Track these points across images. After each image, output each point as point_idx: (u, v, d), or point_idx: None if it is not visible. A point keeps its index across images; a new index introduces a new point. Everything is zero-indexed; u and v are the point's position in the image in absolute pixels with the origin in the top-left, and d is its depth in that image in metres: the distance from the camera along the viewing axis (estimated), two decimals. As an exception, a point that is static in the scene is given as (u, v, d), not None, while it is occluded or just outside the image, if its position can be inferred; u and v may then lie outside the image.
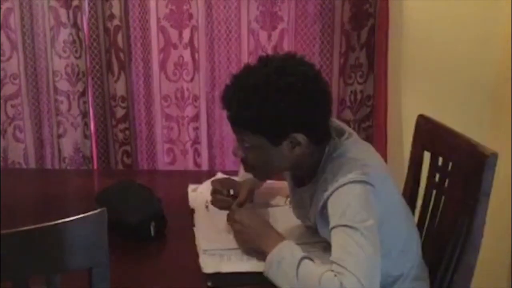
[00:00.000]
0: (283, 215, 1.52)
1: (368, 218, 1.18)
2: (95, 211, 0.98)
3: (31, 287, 0.99)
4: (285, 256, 1.20)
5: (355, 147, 1.31)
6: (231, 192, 1.55)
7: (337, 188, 1.22)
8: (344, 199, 1.21)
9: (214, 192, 1.56)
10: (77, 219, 0.96)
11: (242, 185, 1.54)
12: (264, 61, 1.28)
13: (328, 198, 1.24)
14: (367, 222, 1.17)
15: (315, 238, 1.40)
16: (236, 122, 1.28)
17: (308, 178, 1.35)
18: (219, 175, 1.81)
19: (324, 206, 1.25)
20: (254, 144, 1.28)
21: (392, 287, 1.36)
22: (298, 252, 1.21)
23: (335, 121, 1.42)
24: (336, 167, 1.26)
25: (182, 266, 1.31)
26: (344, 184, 1.22)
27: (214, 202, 1.54)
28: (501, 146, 1.40)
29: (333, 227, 1.19)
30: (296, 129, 1.25)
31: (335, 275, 1.12)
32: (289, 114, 1.22)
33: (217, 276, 1.26)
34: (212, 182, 1.58)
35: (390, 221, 1.27)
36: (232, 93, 1.26)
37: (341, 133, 1.35)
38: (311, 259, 1.21)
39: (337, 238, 1.18)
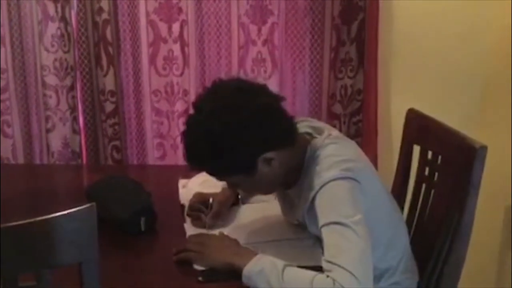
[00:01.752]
0: (274, 210, 1.52)
1: (355, 213, 1.18)
2: (85, 206, 0.97)
3: (21, 284, 0.98)
4: (264, 267, 1.17)
5: (337, 144, 1.31)
6: (210, 200, 1.51)
7: (322, 186, 1.22)
8: (330, 196, 1.22)
9: (191, 209, 1.52)
10: (67, 214, 0.96)
11: (214, 197, 1.52)
12: (197, 107, 1.27)
13: (314, 196, 1.24)
14: (355, 216, 1.17)
15: (306, 234, 1.40)
16: (209, 174, 1.31)
17: (294, 180, 1.34)
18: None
19: (311, 204, 1.25)
20: (235, 182, 1.32)
21: (380, 280, 1.37)
22: (279, 261, 1.19)
23: (314, 121, 1.42)
24: (319, 165, 1.26)
25: (173, 261, 1.30)
26: (329, 181, 1.22)
27: (192, 221, 1.50)
28: (489, 140, 1.41)
29: (322, 226, 1.19)
30: (259, 153, 1.25)
31: (327, 276, 1.12)
32: (244, 149, 1.22)
33: (208, 272, 1.25)
34: (190, 200, 1.54)
35: (376, 216, 1.28)
36: (189, 154, 1.27)
37: (321, 132, 1.35)
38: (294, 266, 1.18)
39: (327, 237, 1.18)
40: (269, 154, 1.26)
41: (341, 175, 1.22)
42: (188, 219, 1.51)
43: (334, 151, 1.28)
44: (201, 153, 1.25)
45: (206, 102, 1.26)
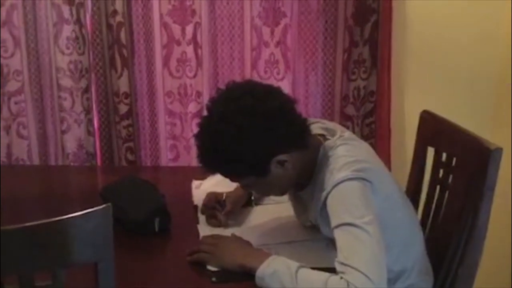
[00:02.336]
0: (287, 212, 1.52)
1: (368, 214, 1.18)
2: (101, 207, 0.98)
3: (37, 282, 0.99)
4: (278, 268, 1.17)
5: (349, 145, 1.31)
6: (224, 196, 1.53)
7: (334, 187, 1.22)
8: (342, 197, 1.21)
9: (206, 208, 1.53)
10: (82, 214, 0.97)
11: (227, 196, 1.53)
12: (210, 109, 1.28)
13: (326, 197, 1.24)
14: (367, 217, 1.17)
15: (319, 235, 1.40)
16: (224, 176, 1.33)
17: (306, 181, 1.35)
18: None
19: (323, 205, 1.25)
20: (248, 183, 1.33)
21: (396, 282, 1.36)
22: (293, 262, 1.18)
23: (327, 122, 1.42)
24: (331, 166, 1.26)
25: (186, 262, 1.31)
26: (341, 182, 1.22)
27: (207, 219, 1.52)
28: (503, 142, 1.40)
29: (335, 227, 1.19)
30: (272, 155, 1.25)
31: (341, 277, 1.11)
32: (256, 152, 1.23)
33: (221, 273, 1.26)
34: (204, 200, 1.56)
35: (389, 217, 1.27)
36: (201, 157, 1.28)
37: (334, 133, 1.35)
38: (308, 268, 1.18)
39: (340, 238, 1.17)
40: (282, 157, 1.26)
41: (353, 176, 1.22)
42: (201, 220, 1.51)
43: (346, 152, 1.28)
44: (213, 156, 1.26)
45: (218, 104, 1.27)
